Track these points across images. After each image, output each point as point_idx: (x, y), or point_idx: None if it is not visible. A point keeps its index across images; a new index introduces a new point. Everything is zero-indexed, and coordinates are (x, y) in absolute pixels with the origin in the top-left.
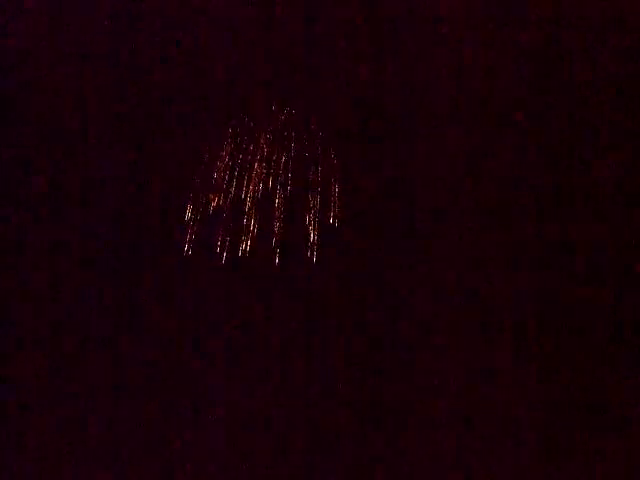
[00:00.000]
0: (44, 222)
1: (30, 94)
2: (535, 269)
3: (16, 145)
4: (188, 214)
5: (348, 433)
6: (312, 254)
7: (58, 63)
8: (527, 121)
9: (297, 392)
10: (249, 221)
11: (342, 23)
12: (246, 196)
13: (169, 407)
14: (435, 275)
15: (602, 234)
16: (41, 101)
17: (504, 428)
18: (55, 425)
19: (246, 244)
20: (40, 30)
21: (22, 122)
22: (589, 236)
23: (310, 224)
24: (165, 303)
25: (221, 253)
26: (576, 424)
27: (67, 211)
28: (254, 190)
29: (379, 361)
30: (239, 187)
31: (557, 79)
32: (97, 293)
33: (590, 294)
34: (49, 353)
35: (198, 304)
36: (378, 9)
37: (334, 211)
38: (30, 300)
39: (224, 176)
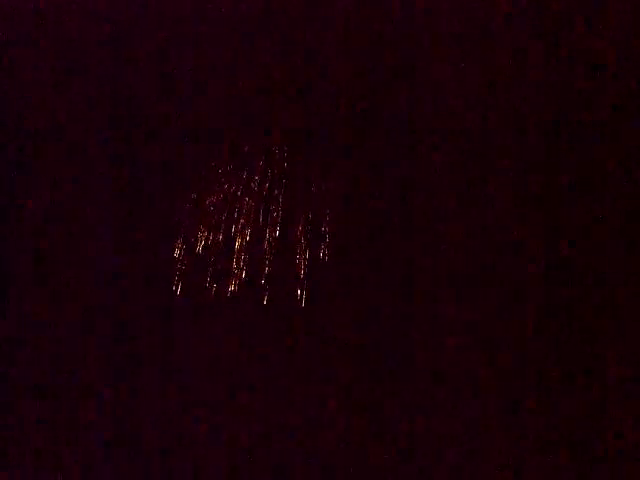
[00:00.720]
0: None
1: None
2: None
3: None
4: (177, 251)
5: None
6: (302, 291)
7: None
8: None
9: (287, 430)
10: (239, 257)
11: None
12: (236, 231)
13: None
14: (434, 309)
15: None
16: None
17: None
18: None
19: (235, 281)
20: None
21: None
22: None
23: (301, 260)
24: (153, 340)
25: (210, 290)
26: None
27: (57, 243)
28: (244, 225)
29: (374, 403)
30: (229, 222)
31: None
32: (86, 328)
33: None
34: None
35: (187, 342)
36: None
37: (325, 247)
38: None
39: (214, 211)
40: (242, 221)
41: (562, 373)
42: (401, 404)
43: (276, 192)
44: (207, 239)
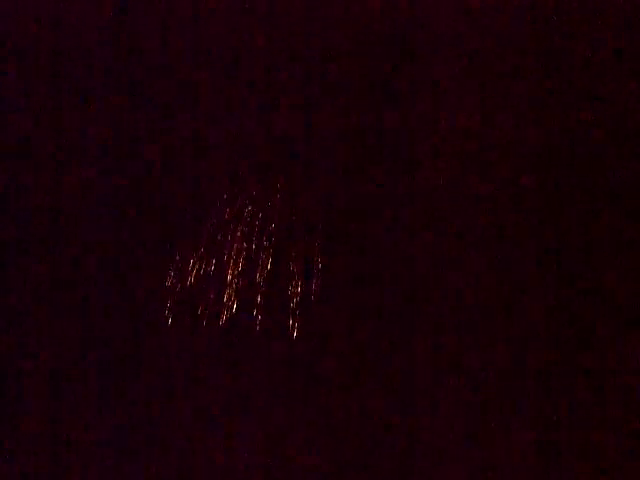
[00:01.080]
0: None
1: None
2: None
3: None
4: (169, 281)
5: None
6: (294, 322)
7: None
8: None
9: (283, 457)
10: (231, 287)
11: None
12: (228, 261)
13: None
14: (431, 339)
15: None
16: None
17: None
18: None
19: (227, 311)
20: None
21: None
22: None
23: (293, 291)
24: (144, 369)
25: (201, 321)
26: None
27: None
28: (237, 255)
29: (366, 434)
30: (221, 251)
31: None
32: (76, 355)
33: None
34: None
35: (178, 371)
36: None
37: (318, 278)
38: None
39: (206, 240)
40: (234, 251)
41: (562, 373)
42: (400, 415)
43: (269, 222)
44: (199, 269)
